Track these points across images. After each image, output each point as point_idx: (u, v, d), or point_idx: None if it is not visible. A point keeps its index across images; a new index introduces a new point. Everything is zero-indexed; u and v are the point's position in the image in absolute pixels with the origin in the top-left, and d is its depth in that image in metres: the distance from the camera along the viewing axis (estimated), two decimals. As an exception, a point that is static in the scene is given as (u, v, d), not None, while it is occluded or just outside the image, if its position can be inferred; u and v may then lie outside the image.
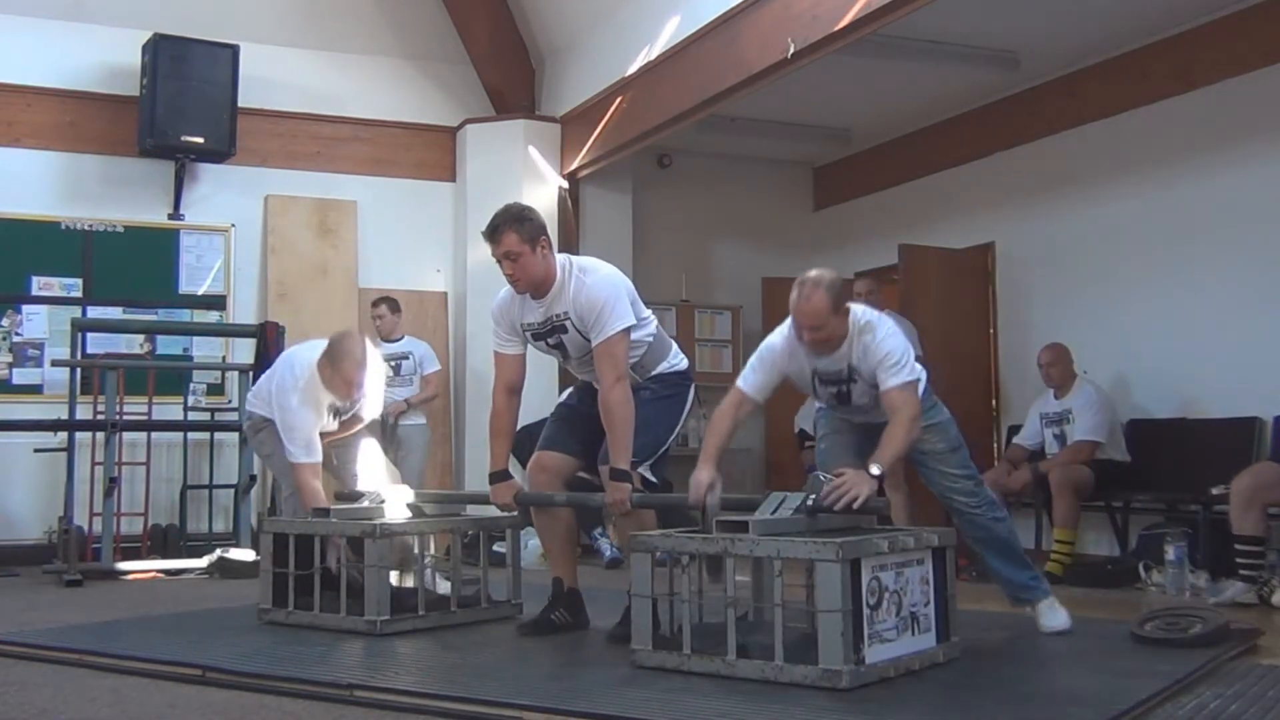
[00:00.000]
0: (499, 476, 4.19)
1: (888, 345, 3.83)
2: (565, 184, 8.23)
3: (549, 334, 4.06)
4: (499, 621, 4.42)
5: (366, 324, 7.40)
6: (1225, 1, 6.18)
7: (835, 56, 5.98)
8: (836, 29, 5.50)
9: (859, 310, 3.95)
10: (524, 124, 8.31)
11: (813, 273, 3.91)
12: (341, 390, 4.72)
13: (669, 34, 6.98)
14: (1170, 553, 5.44)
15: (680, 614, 3.43)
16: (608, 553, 6.80)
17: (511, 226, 3.93)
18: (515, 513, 4.29)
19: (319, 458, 4.70)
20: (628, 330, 3.94)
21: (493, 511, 4.36)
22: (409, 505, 4.60)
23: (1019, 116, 7.54)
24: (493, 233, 3.96)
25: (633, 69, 7.36)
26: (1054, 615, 4.13)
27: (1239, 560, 5.01)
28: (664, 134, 7.44)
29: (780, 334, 4.01)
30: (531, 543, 6.89)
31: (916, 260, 7.43)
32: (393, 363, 7.03)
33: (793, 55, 5.78)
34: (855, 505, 3.50)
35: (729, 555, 3.29)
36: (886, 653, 3.24)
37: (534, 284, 4.00)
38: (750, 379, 3.99)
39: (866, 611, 3.18)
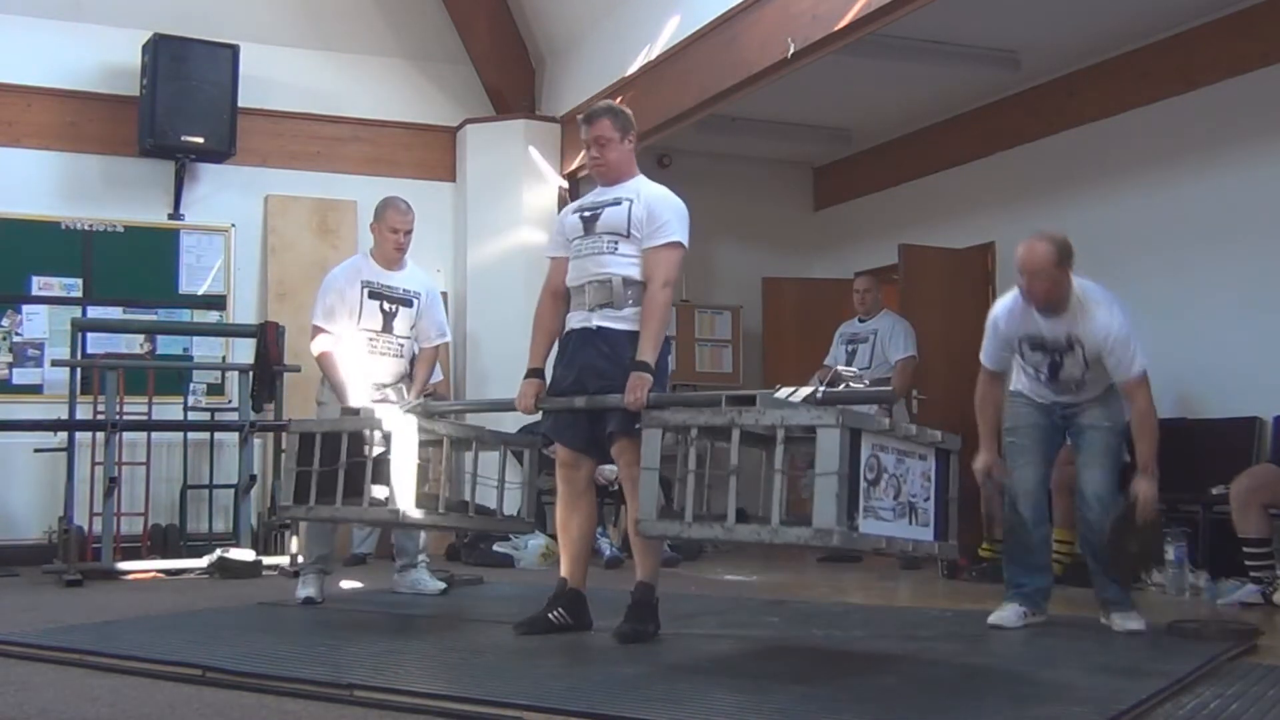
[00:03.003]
0: (532, 373, 4.19)
1: (1118, 328, 4.12)
2: (565, 184, 8.23)
3: (595, 208, 4.15)
4: (499, 624, 4.40)
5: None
6: (1225, 1, 6.19)
7: (835, 56, 5.99)
8: (836, 29, 5.51)
9: (1089, 284, 4.22)
10: (524, 124, 8.31)
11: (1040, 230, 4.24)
12: (389, 243, 5.21)
13: (669, 34, 6.98)
14: (1170, 553, 5.44)
15: (684, 488, 3.45)
16: (607, 552, 6.80)
17: (607, 115, 4.18)
18: (537, 416, 4.28)
19: (335, 328, 5.09)
20: (683, 246, 4.06)
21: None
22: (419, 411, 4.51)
23: (1019, 116, 7.54)
24: (589, 117, 4.19)
25: (633, 69, 7.36)
26: (1127, 620, 4.20)
27: (1247, 563, 5.02)
28: (664, 134, 7.44)
29: (1002, 301, 4.36)
30: (533, 543, 6.91)
31: (916, 260, 7.43)
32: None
33: (793, 55, 5.78)
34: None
35: (735, 426, 3.32)
36: (882, 529, 3.26)
37: (614, 173, 4.17)
38: (987, 351, 4.39)
39: (864, 485, 3.20)
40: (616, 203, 4.11)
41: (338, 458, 4.24)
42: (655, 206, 4.06)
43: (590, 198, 4.26)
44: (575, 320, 4.13)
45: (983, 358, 4.41)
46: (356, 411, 4.46)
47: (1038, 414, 4.38)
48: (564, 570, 4.21)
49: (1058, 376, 4.26)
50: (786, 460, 3.25)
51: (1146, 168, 6.73)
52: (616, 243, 4.05)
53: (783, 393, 3.52)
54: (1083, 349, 4.15)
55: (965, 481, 4.62)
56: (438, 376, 7.29)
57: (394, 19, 8.49)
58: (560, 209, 8.12)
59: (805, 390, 3.50)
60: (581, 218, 4.16)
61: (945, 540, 3.51)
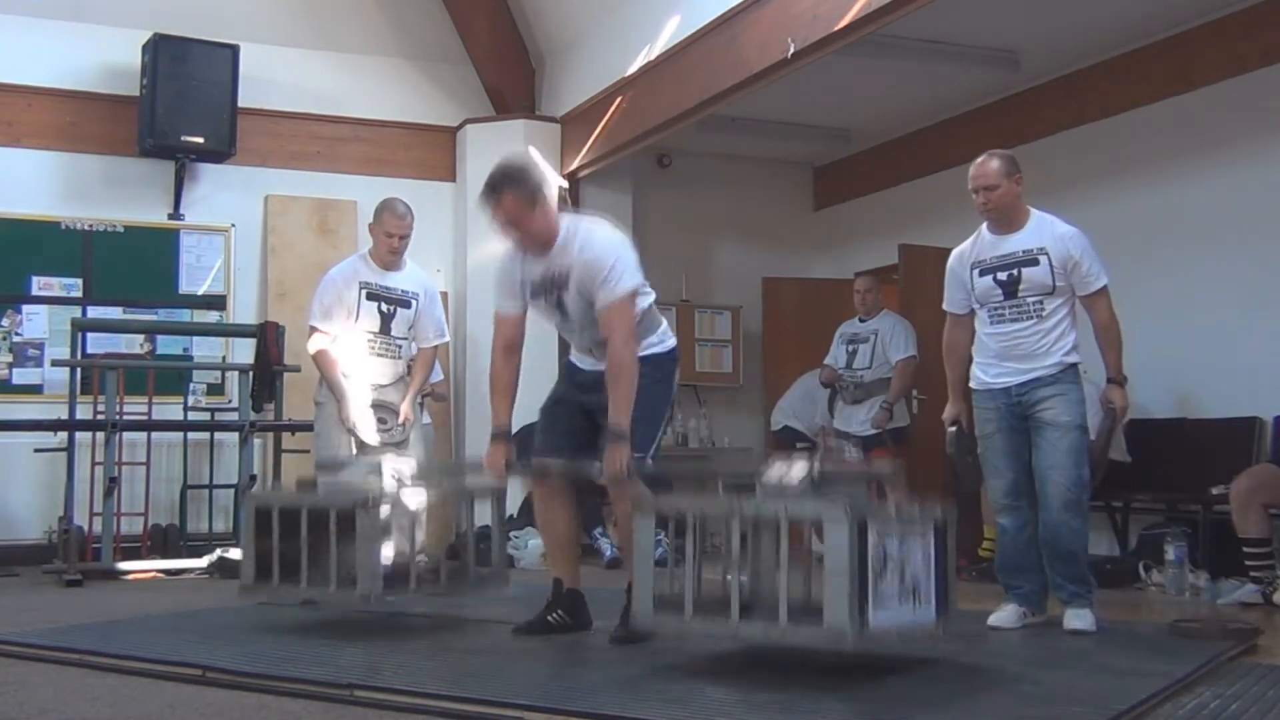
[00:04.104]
0: (497, 436, 4.08)
1: (1085, 236, 4.30)
2: (565, 184, 8.22)
3: (548, 291, 3.97)
4: (498, 624, 4.39)
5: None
6: (1225, 1, 6.19)
7: (835, 56, 5.99)
8: (836, 29, 5.51)
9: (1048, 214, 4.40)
10: (524, 124, 8.31)
11: None
12: (385, 246, 5.16)
13: (669, 34, 6.98)
14: (1170, 553, 5.45)
15: (682, 577, 3.37)
16: (608, 552, 6.80)
17: (508, 190, 3.84)
18: (504, 481, 4.19)
19: (332, 328, 5.09)
20: (635, 292, 3.88)
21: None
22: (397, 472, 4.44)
23: (1019, 116, 7.53)
24: (491, 193, 3.86)
25: (633, 69, 7.36)
26: (1079, 618, 4.19)
27: (1247, 563, 5.02)
28: (664, 134, 7.44)
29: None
30: (532, 543, 6.91)
31: (916, 260, 7.42)
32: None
33: (793, 55, 5.78)
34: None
35: (734, 517, 3.25)
36: (890, 619, 3.21)
37: (541, 241, 3.92)
38: (949, 297, 4.51)
39: (871, 576, 3.13)
40: (564, 284, 3.91)
41: (298, 529, 4.06)
42: (592, 264, 3.83)
43: (531, 270, 3.99)
44: (586, 363, 4.08)
45: (946, 306, 4.57)
46: (314, 484, 4.36)
47: (1001, 416, 4.31)
48: (556, 571, 4.21)
49: (1016, 293, 4.27)
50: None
51: (1146, 168, 6.73)
52: (589, 308, 3.90)
53: (776, 470, 3.40)
54: (1050, 260, 4.25)
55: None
56: (437, 376, 7.29)
57: (394, 19, 8.49)
58: (560, 209, 8.13)
59: (800, 467, 3.38)
60: (547, 300, 3.98)
61: (946, 615, 3.44)
